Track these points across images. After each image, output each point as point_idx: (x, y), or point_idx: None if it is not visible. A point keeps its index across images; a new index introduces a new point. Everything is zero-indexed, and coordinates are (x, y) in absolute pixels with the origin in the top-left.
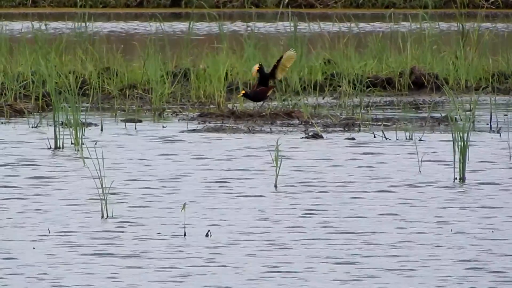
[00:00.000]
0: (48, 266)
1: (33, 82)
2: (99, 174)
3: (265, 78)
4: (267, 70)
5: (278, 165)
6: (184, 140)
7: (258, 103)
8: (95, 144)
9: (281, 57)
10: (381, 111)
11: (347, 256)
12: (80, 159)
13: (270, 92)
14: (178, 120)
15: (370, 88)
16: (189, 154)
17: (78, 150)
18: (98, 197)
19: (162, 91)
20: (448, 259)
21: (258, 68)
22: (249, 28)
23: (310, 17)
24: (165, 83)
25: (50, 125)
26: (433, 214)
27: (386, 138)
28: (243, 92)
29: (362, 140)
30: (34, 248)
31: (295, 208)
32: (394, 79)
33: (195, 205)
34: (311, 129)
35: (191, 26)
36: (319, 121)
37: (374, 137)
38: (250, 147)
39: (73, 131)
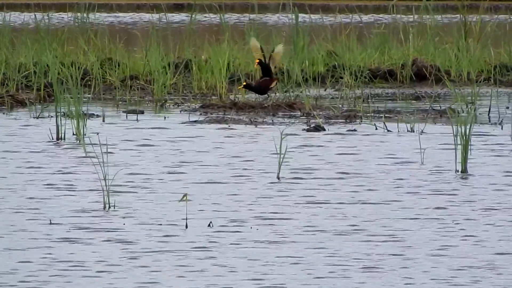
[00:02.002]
0: (49, 258)
1: (35, 72)
2: (101, 165)
3: (267, 69)
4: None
5: (281, 156)
6: (186, 131)
7: (261, 95)
8: (97, 135)
9: (273, 50)
10: (383, 103)
11: (347, 247)
12: (82, 150)
13: (274, 84)
14: (180, 111)
15: (372, 80)
16: (191, 145)
17: (80, 141)
18: (100, 188)
19: (164, 82)
20: (449, 252)
21: (258, 61)
22: (250, 19)
23: (312, 8)
24: (167, 74)
25: (51, 116)
26: (435, 205)
27: (388, 130)
28: (245, 83)
29: (364, 131)
30: (35, 239)
31: (298, 199)
32: (396, 71)
33: (197, 196)
34: (313, 120)
35: (193, 17)
36: (321, 112)
37: (376, 129)
38: (252, 138)
39: (75, 122)
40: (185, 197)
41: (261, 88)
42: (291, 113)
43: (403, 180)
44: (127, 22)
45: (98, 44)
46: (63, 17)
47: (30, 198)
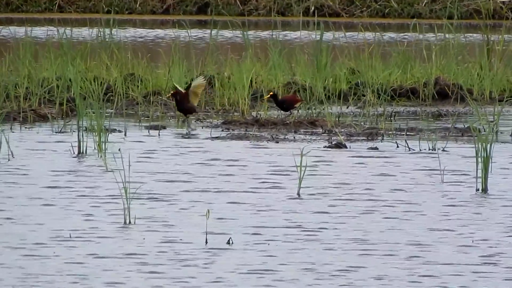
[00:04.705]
0: (68, 271)
1: (57, 87)
2: (122, 180)
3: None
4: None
5: (302, 173)
6: (207, 147)
7: (284, 112)
8: (119, 150)
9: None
10: (405, 121)
11: (363, 263)
12: (103, 165)
13: (299, 104)
14: (202, 127)
15: (394, 98)
16: (212, 161)
17: (101, 156)
18: (121, 203)
19: None
20: (469, 269)
21: (271, 94)
22: (274, 36)
23: (335, 26)
24: None
25: (74, 131)
26: (455, 224)
27: (409, 148)
28: (272, 93)
29: (385, 149)
30: (54, 252)
31: (317, 215)
32: (419, 89)
33: (218, 212)
34: (335, 138)
35: (217, 33)
36: (342, 130)
37: (397, 147)
38: (274, 155)
39: (97, 137)
40: (207, 214)
41: (285, 104)
42: (313, 130)
43: (423, 198)
44: (150, 38)
45: (121, 60)
46: (86, 32)
47: (50, 212)
